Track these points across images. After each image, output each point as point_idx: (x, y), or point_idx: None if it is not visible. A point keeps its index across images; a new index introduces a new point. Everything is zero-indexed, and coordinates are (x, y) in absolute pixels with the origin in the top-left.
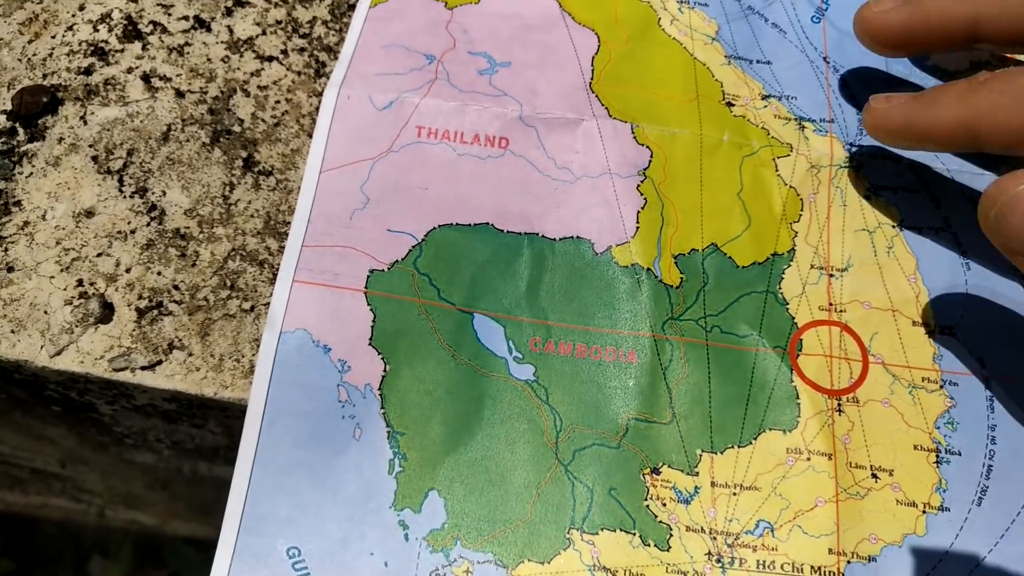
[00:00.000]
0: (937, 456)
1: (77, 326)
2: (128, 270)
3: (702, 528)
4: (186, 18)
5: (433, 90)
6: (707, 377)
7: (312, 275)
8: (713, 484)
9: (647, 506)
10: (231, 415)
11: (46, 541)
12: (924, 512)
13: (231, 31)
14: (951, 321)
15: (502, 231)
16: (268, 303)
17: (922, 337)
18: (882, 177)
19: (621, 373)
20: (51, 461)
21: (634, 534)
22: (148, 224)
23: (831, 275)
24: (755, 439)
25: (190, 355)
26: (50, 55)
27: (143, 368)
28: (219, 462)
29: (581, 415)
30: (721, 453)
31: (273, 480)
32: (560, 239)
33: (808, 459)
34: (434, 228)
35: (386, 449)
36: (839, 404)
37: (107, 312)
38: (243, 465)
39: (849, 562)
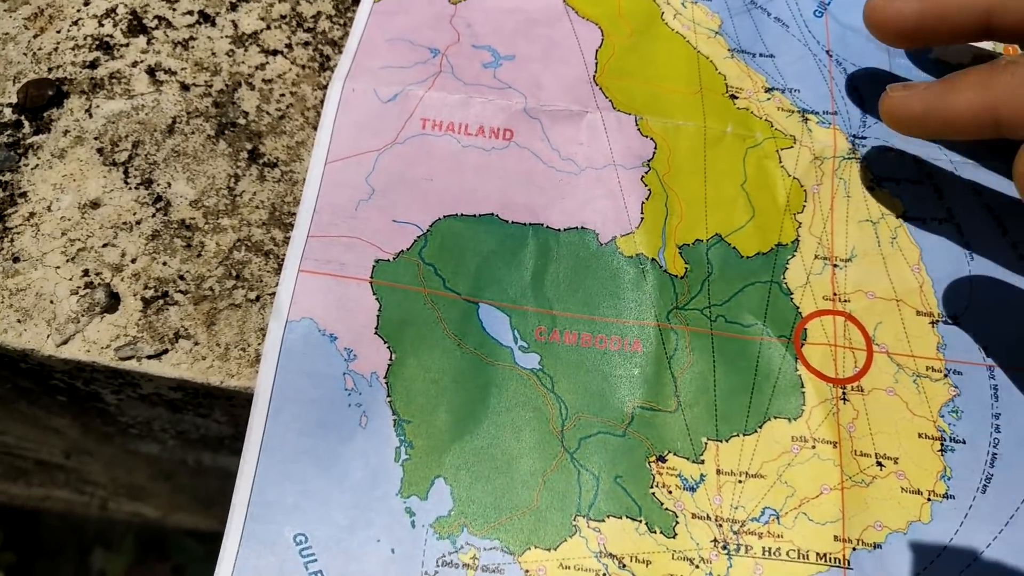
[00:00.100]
0: (942, 444)
1: (83, 315)
2: (134, 260)
3: (708, 515)
4: (191, 13)
5: (438, 83)
6: (712, 366)
7: (318, 265)
8: (719, 472)
9: (653, 493)
10: (237, 404)
11: (48, 534)
12: (929, 500)
13: (236, 25)
14: (955, 311)
15: (507, 222)
16: (273, 293)
17: (926, 326)
18: (885, 168)
19: (626, 362)
20: (55, 452)
21: (640, 521)
22: (154, 215)
23: (835, 265)
24: (760, 427)
25: (196, 344)
26: (55, 49)
27: (149, 357)
28: (224, 452)
29: (586, 403)
30: (726, 441)
31: (280, 468)
32: (565, 230)
33: (813, 447)
34: (439, 219)
35: (392, 437)
36: (844, 393)
37: (113, 302)
38: (250, 453)
39: (854, 549)
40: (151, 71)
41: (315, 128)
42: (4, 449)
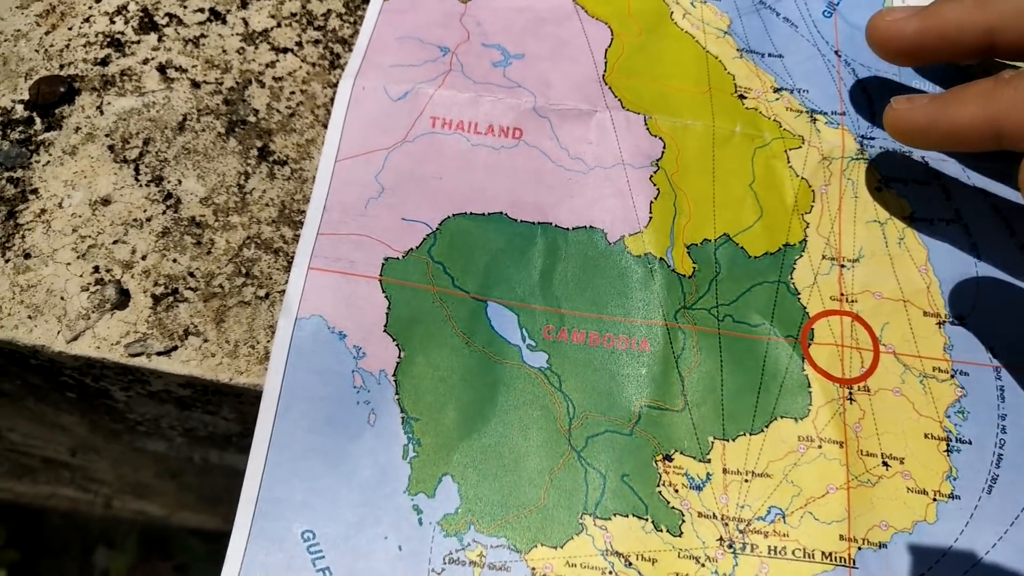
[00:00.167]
0: (948, 445)
1: (93, 312)
2: (144, 257)
3: (714, 514)
4: (202, 10)
5: (447, 81)
6: (719, 365)
7: (328, 263)
8: (725, 471)
9: (659, 492)
10: (245, 401)
11: (52, 532)
12: (934, 500)
13: (246, 23)
14: (962, 311)
15: (516, 220)
16: (283, 290)
17: (933, 327)
18: (893, 169)
19: (634, 361)
20: (62, 450)
21: (646, 520)
22: (164, 212)
23: (843, 266)
24: (767, 427)
25: (205, 341)
26: (67, 46)
27: (159, 354)
28: (231, 450)
29: (594, 402)
30: (733, 440)
31: (288, 465)
32: (573, 229)
33: (819, 447)
34: (448, 217)
35: (400, 434)
36: (850, 393)
37: (123, 298)
38: (259, 450)
39: (860, 548)
40: (162, 68)
41: (325, 126)
42: (11, 446)
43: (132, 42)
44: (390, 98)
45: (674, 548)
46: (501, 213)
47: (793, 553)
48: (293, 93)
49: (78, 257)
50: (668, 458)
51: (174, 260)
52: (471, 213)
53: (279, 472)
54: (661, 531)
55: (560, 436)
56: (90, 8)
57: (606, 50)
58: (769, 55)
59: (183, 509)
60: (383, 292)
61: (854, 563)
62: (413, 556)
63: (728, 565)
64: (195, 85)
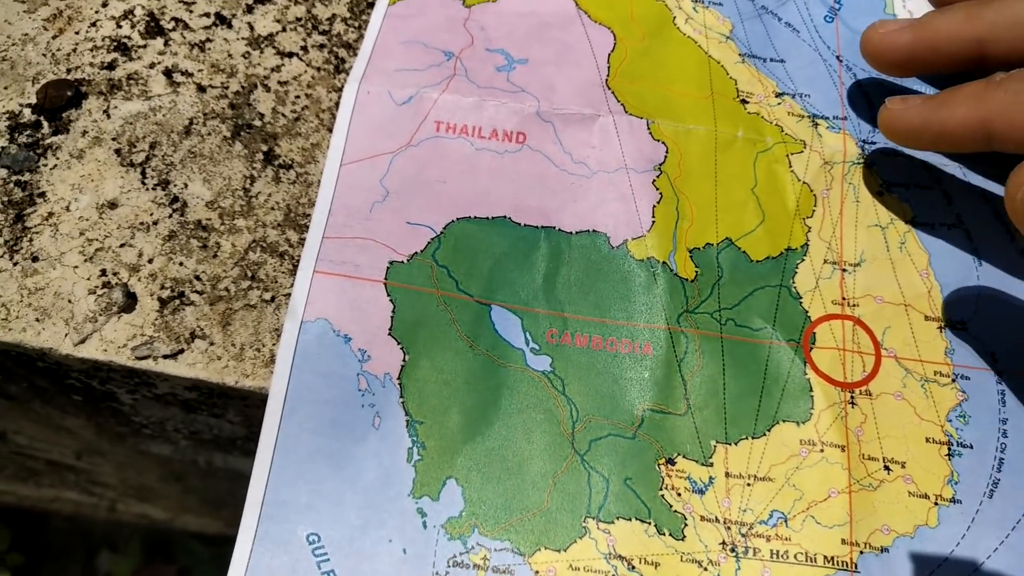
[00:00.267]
0: (949, 449)
1: (101, 315)
2: (151, 260)
3: (716, 518)
4: (207, 15)
5: (452, 86)
6: (722, 369)
7: (333, 266)
8: (727, 475)
9: (662, 496)
10: (251, 404)
11: (56, 535)
12: (936, 504)
13: (251, 28)
14: (963, 316)
15: (519, 224)
16: (288, 294)
17: (934, 332)
18: (895, 174)
19: (637, 365)
20: (67, 453)
21: (649, 523)
22: (170, 216)
23: (844, 270)
24: (769, 431)
25: (211, 344)
26: (74, 50)
27: (165, 357)
28: (235, 453)
29: (597, 406)
30: (735, 444)
31: (294, 467)
32: (576, 233)
33: (821, 451)
34: (452, 221)
35: (405, 437)
36: (852, 397)
37: (130, 302)
38: (264, 452)
39: (862, 552)
40: (168, 73)
41: (330, 130)
42: (16, 449)
43: (138, 46)
44: (395, 102)
45: (677, 552)
46: (505, 217)
47: (795, 557)
48: (298, 97)
49: (85, 260)
50: (671, 462)
51: (180, 263)
52: (475, 217)
53: (284, 475)
54: (664, 535)
55: (563, 439)
56: (97, 13)
57: (609, 55)
58: (771, 60)
59: (186, 513)
60: (388, 295)
61: (856, 567)
62: (417, 559)
63: (730, 569)
64: (201, 89)
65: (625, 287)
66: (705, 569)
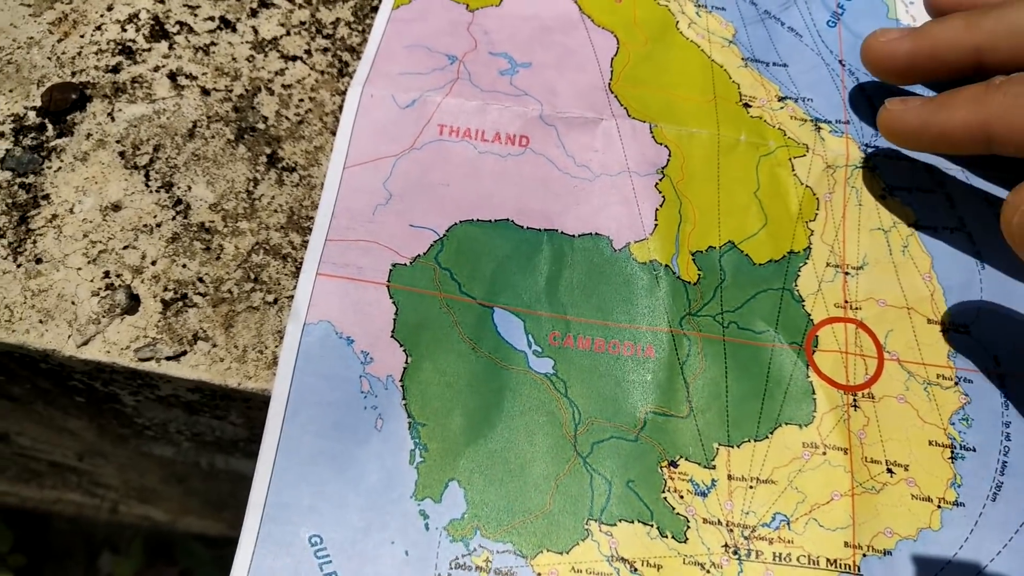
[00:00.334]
0: (952, 452)
1: (104, 317)
2: (154, 262)
3: (719, 520)
4: (212, 18)
5: (455, 89)
6: (724, 372)
7: (336, 268)
8: (730, 477)
9: (664, 498)
10: (253, 406)
11: (58, 537)
12: (939, 507)
13: (256, 31)
14: (966, 319)
15: (522, 227)
16: (291, 296)
17: (937, 335)
18: (897, 177)
19: (639, 367)
20: (69, 454)
21: (652, 526)
22: (173, 218)
23: (847, 273)
24: (771, 433)
25: (214, 346)
26: (79, 54)
27: (168, 358)
28: (237, 455)
29: (599, 408)
30: (738, 447)
31: (296, 469)
32: (579, 236)
33: (824, 453)
34: (455, 224)
35: (407, 440)
36: (855, 400)
37: (133, 303)
38: (266, 454)
39: (865, 555)
40: (172, 76)
41: (333, 133)
42: (19, 451)
43: (143, 50)
44: (398, 106)
45: (679, 554)
46: (508, 220)
47: (798, 560)
48: (302, 100)
49: (89, 262)
50: (673, 464)
51: (183, 265)
52: (478, 220)
53: (287, 477)
54: (666, 537)
55: (566, 442)
56: (102, 16)
57: (612, 59)
58: (774, 64)
59: (188, 514)
60: (390, 298)
61: (859, 570)
62: (420, 561)
63: (733, 571)
64: (205, 92)
65: (627, 290)
66: (708, 572)
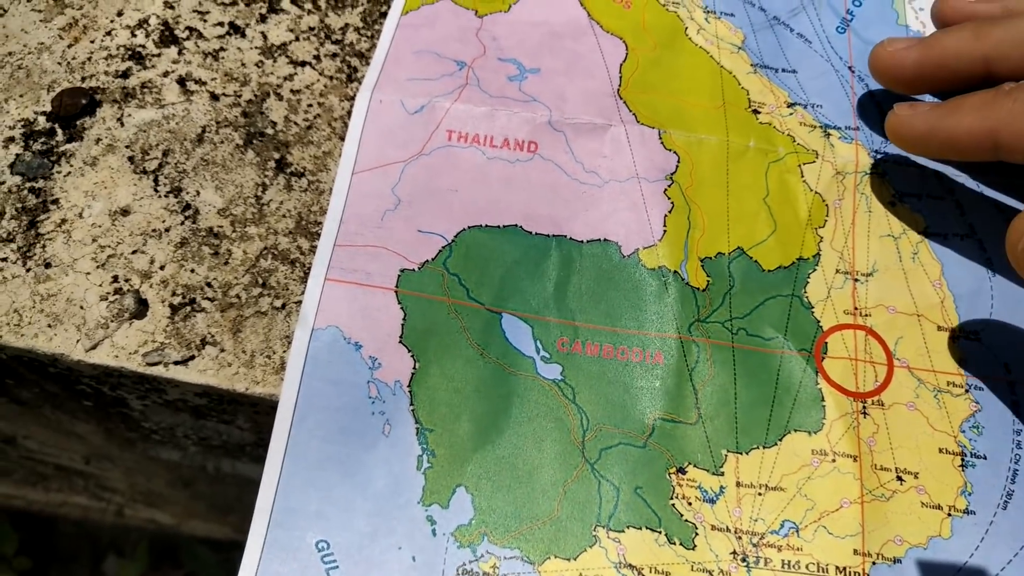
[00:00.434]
0: (962, 460)
1: (112, 321)
2: (162, 267)
3: (727, 527)
4: (221, 24)
5: (464, 95)
6: (733, 379)
7: (344, 274)
8: (738, 484)
9: (673, 505)
10: (261, 411)
11: (63, 540)
12: (949, 515)
13: (265, 37)
14: (976, 326)
15: (531, 233)
16: (299, 301)
17: (947, 342)
18: (907, 184)
19: (648, 374)
20: (76, 458)
21: (660, 532)
22: (182, 223)
23: (856, 280)
24: (780, 440)
25: (222, 351)
26: (89, 59)
27: (176, 363)
28: (244, 459)
29: (608, 414)
30: (746, 454)
31: (303, 474)
32: (588, 241)
33: (833, 460)
34: (464, 229)
35: (415, 445)
36: (864, 407)
37: (141, 308)
38: (274, 459)
39: (874, 563)
40: (182, 81)
41: (342, 139)
42: (26, 454)
43: (153, 55)
44: (407, 111)
45: (687, 561)
46: (516, 226)
47: (807, 567)
48: (311, 106)
49: (97, 267)
50: (682, 471)
51: (192, 270)
52: (486, 226)
53: (294, 482)
54: (674, 544)
55: (574, 448)
56: (112, 22)
57: (621, 65)
58: (783, 70)
59: (194, 518)
60: (399, 303)
61: None
62: (426, 567)
63: None
64: (214, 97)
65: (636, 296)
66: None
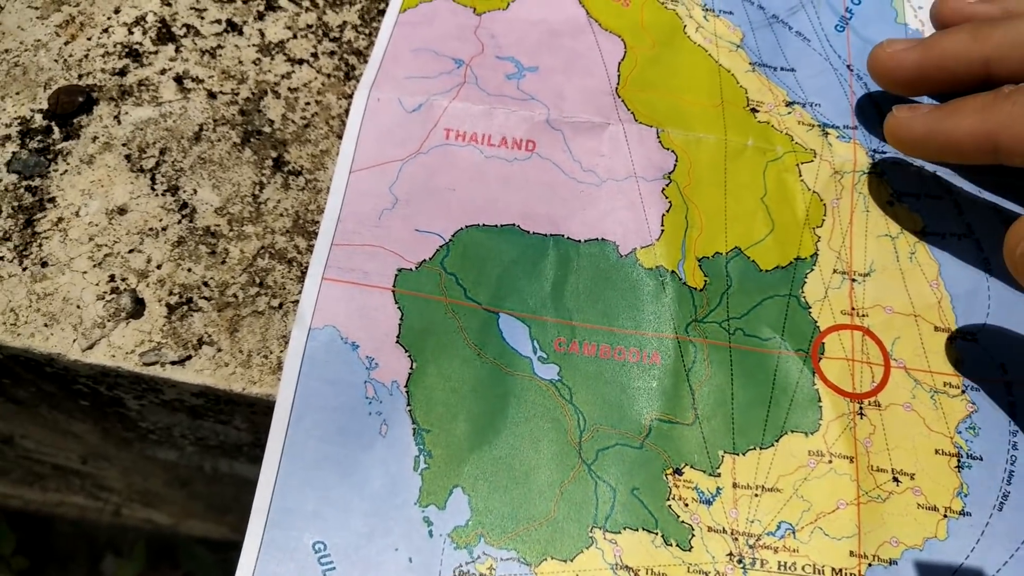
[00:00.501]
0: (959, 461)
1: (109, 321)
2: (159, 266)
3: (724, 529)
4: (218, 21)
5: (462, 93)
6: (730, 379)
7: (341, 273)
8: (735, 485)
9: (669, 506)
10: (257, 411)
11: (60, 540)
12: (945, 516)
13: (262, 34)
14: (973, 327)
15: (528, 232)
16: (296, 300)
17: (944, 342)
18: (905, 184)
19: (644, 374)
20: (73, 457)
21: (656, 534)
22: (179, 222)
23: (853, 280)
24: (777, 441)
25: (219, 351)
26: (86, 56)
27: (173, 363)
28: (241, 459)
29: (604, 415)
30: (743, 455)
31: (300, 475)
32: (585, 241)
33: (830, 462)
34: (461, 229)
35: (412, 446)
36: (861, 408)
37: (138, 307)
38: (271, 459)
39: (870, 565)
40: (179, 79)
41: (339, 137)
42: (23, 453)
43: (150, 53)
44: (404, 110)
45: (684, 563)
46: (514, 225)
47: (803, 569)
48: (308, 104)
49: (94, 266)
50: (678, 472)
51: (189, 269)
52: (484, 225)
53: (291, 482)
54: (671, 545)
55: (570, 449)
56: (109, 19)
57: (619, 63)
58: (781, 69)
59: (191, 518)
60: (396, 303)
61: None
62: (423, 568)
63: None
64: (211, 95)
65: (633, 296)
66: None
